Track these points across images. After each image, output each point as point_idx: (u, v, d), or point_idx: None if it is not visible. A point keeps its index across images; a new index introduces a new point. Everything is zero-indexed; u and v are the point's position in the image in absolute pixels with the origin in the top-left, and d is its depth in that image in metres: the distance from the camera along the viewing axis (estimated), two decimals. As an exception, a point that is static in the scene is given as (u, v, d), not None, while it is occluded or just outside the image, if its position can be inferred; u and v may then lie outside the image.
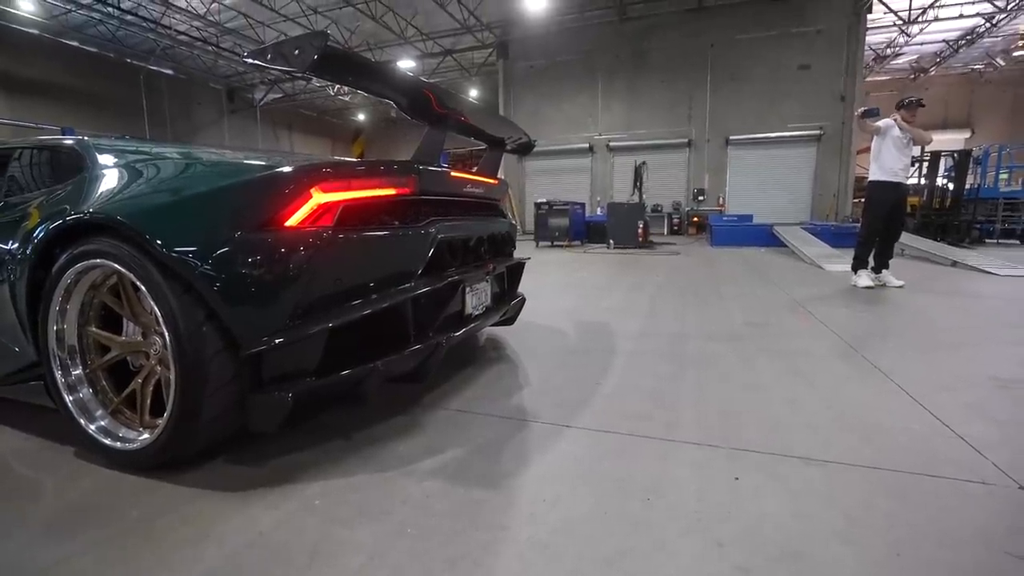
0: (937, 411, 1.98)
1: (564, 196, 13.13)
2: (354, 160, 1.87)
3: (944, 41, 16.98)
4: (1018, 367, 2.54)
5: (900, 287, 4.98)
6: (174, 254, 1.43)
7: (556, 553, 1.19)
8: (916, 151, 9.83)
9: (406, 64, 18.44)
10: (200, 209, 1.53)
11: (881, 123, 5.01)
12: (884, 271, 5.17)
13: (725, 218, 13.10)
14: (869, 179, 5.16)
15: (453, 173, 2.15)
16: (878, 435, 1.79)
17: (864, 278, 5.11)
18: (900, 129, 4.93)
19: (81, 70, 16.39)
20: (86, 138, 2.04)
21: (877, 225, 5.12)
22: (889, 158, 4.97)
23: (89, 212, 1.59)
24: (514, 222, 3.38)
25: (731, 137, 15.10)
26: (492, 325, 2.74)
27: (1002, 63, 18.74)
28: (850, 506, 1.36)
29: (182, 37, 15.73)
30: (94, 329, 1.69)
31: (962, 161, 10.29)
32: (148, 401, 1.61)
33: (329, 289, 1.57)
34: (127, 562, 1.18)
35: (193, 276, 1.42)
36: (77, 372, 1.68)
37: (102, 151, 1.89)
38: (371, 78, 1.82)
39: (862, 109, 5.27)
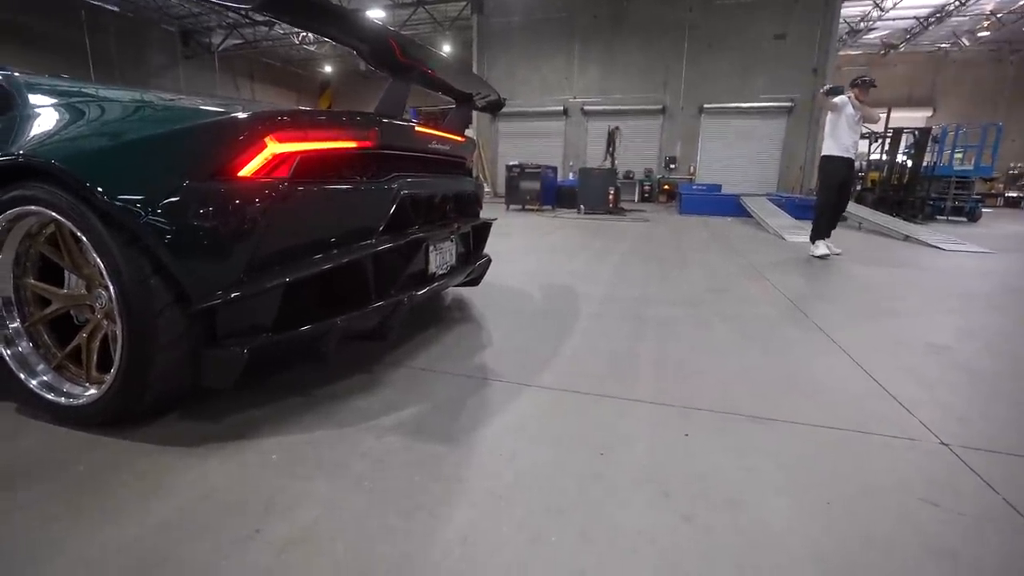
0: (875, 373, 2.10)
1: (536, 159, 12.96)
2: (311, 109, 1.78)
3: (915, 17, 17.21)
4: (952, 335, 2.71)
5: (838, 255, 5.34)
6: (117, 203, 1.35)
7: (510, 504, 1.23)
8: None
9: (375, 14, 17.50)
10: (146, 155, 1.44)
11: (838, 100, 5.21)
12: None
13: (695, 187, 13.21)
14: (823, 153, 5.41)
15: (418, 128, 2.08)
16: (820, 395, 1.90)
17: (821, 247, 5.33)
18: (853, 107, 5.14)
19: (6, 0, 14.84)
20: (16, 74, 1.87)
21: (831, 197, 5.40)
22: (843, 134, 5.21)
23: (21, 155, 1.48)
24: (482, 182, 3.32)
25: (705, 105, 15.10)
26: (457, 285, 2.73)
27: (967, 43, 19.18)
28: (789, 460, 1.45)
29: (127, -31, 14.43)
30: (32, 281, 1.60)
31: (921, 139, 10.60)
32: (95, 356, 1.55)
33: (286, 243, 1.52)
34: (75, 516, 1.16)
35: (138, 227, 1.35)
36: (14, 325, 1.60)
37: (35, 89, 1.74)
38: (330, 22, 1.71)
39: (828, 87, 5.44)
